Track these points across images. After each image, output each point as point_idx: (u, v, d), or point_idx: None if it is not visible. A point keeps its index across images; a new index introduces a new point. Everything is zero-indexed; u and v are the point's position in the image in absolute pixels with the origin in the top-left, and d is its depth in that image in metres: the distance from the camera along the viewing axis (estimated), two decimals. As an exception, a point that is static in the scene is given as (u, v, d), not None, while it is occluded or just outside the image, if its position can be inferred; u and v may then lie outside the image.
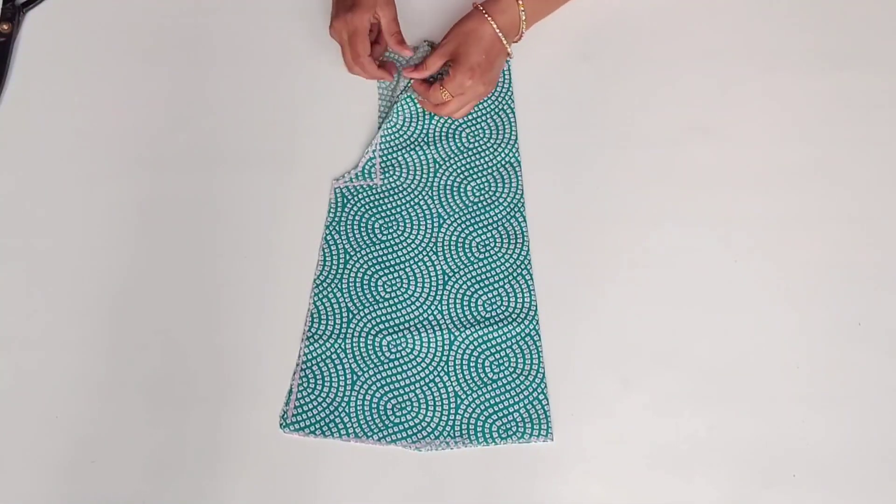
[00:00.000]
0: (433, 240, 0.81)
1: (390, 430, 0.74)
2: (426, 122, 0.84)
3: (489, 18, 0.79)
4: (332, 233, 0.80)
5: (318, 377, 0.76)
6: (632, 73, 0.86)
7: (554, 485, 0.73)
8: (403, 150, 0.83)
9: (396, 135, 0.84)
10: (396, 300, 0.78)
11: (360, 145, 0.84)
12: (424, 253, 0.80)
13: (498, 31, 0.79)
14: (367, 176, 0.82)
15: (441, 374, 0.76)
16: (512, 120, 0.85)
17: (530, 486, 0.73)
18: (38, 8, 0.91)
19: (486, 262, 0.80)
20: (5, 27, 0.88)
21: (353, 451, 0.74)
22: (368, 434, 0.74)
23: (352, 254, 0.80)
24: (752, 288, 0.78)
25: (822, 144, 0.83)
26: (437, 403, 0.75)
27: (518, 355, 0.76)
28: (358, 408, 0.75)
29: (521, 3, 0.80)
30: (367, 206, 0.82)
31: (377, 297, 0.79)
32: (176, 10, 0.90)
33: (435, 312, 0.78)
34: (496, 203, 0.82)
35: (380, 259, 0.80)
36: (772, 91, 0.85)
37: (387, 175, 0.83)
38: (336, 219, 0.81)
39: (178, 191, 0.83)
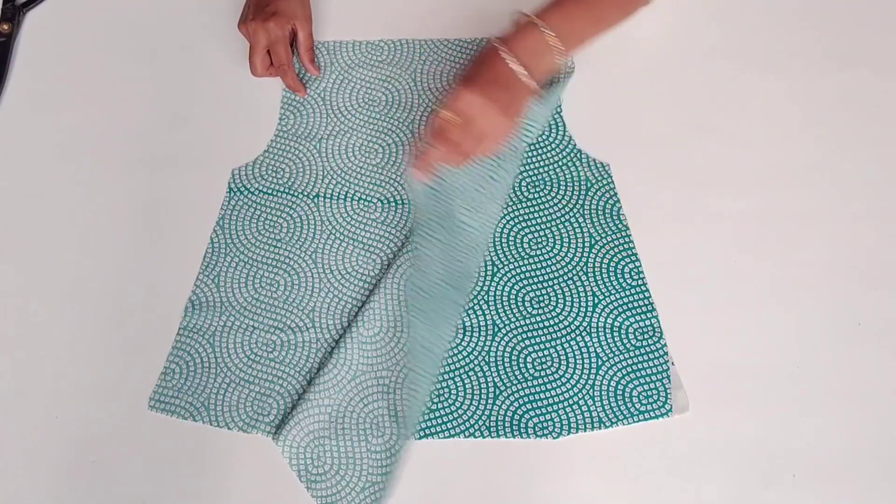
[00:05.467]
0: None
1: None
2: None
3: (504, 54, 0.69)
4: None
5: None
6: (632, 72, 0.86)
7: (554, 485, 0.73)
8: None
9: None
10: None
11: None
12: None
13: (515, 65, 0.69)
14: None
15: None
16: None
17: (530, 486, 0.73)
18: (38, 8, 0.91)
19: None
20: (5, 27, 0.88)
21: (353, 450, 0.74)
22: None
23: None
24: (752, 288, 0.78)
25: (823, 144, 0.83)
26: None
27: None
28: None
29: (544, 29, 0.70)
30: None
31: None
32: (176, 9, 0.90)
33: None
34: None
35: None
36: (772, 91, 0.85)
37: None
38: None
39: (178, 190, 0.83)
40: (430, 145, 0.70)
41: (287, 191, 0.82)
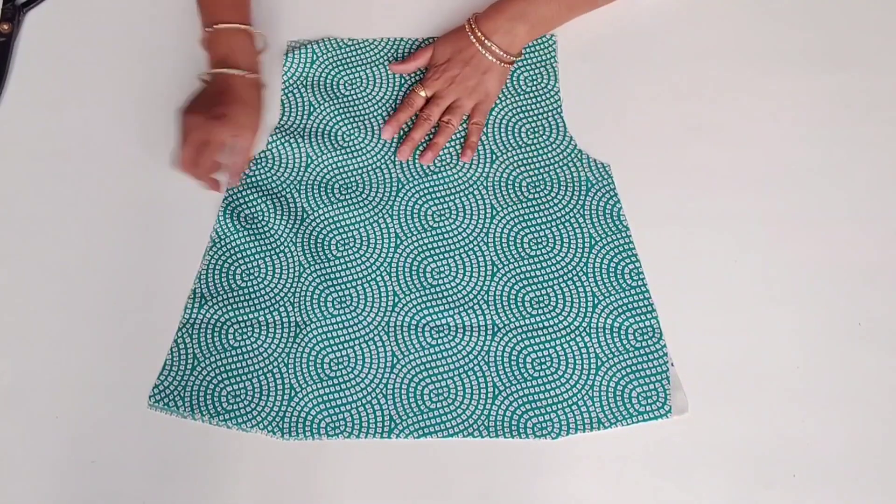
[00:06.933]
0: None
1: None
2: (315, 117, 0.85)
3: (474, 41, 0.81)
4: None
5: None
6: (632, 73, 0.86)
7: (554, 485, 0.73)
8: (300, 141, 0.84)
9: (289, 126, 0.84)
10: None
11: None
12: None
13: (484, 51, 0.81)
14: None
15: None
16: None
17: (530, 486, 0.73)
18: (38, 8, 0.91)
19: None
20: (5, 27, 0.88)
21: (353, 449, 0.74)
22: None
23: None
24: (752, 288, 0.78)
25: (822, 144, 0.83)
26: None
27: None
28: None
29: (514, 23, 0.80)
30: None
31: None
32: (176, 9, 0.90)
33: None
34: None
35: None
36: (772, 91, 0.85)
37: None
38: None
39: (178, 190, 0.82)
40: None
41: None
